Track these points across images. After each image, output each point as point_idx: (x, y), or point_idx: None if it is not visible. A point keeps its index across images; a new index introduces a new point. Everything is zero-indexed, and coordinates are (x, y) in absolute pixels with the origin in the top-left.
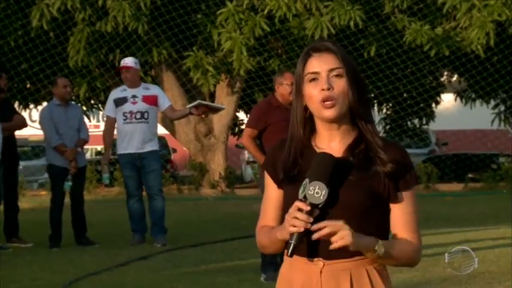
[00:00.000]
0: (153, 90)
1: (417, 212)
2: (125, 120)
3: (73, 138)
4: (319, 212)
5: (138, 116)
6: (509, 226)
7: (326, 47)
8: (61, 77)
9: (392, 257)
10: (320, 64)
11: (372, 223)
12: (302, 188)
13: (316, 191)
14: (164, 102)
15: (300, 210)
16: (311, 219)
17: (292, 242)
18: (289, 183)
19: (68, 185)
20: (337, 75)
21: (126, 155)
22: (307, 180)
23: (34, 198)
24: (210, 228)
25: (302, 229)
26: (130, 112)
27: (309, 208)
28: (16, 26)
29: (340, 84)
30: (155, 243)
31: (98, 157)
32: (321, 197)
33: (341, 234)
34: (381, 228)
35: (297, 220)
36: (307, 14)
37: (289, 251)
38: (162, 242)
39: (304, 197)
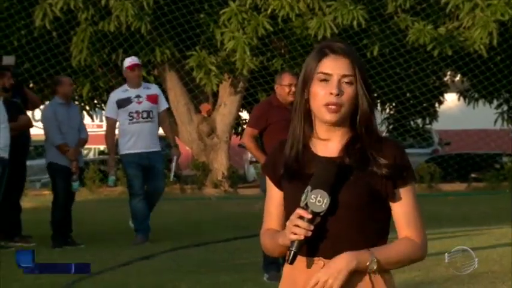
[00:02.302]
0: (154, 89)
1: (418, 209)
2: (131, 120)
3: (74, 137)
4: (321, 219)
5: (145, 115)
6: (511, 226)
7: (343, 50)
8: (65, 76)
9: (391, 263)
10: (334, 67)
11: (372, 221)
12: (304, 195)
13: (318, 200)
14: (163, 103)
15: (301, 217)
16: (312, 227)
17: (293, 249)
18: (289, 181)
19: (75, 185)
20: (347, 82)
21: (132, 155)
22: (309, 188)
23: (37, 198)
24: (213, 228)
25: (302, 237)
26: (137, 112)
27: (310, 216)
28: (19, 25)
29: (350, 92)
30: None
31: (100, 157)
32: (323, 206)
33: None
34: (381, 226)
35: (297, 228)
36: (310, 13)
37: (290, 258)
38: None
39: (306, 204)
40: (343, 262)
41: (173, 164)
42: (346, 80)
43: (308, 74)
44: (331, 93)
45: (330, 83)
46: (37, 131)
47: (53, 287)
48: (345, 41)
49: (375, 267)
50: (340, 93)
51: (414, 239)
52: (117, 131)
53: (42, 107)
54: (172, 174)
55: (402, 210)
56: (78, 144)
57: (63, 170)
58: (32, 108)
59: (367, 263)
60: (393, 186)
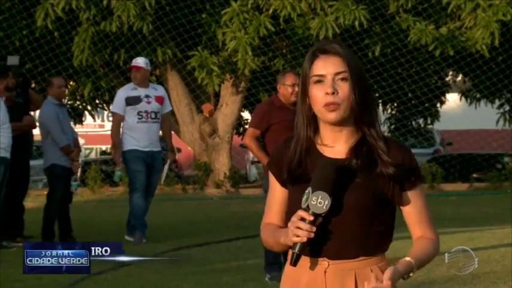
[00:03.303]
0: (160, 90)
1: (427, 207)
2: (140, 119)
3: (71, 138)
4: (322, 220)
5: (153, 115)
6: None
7: (333, 49)
8: (56, 78)
9: (421, 266)
10: (326, 67)
11: (378, 223)
12: (305, 197)
13: (319, 201)
14: (167, 106)
15: (302, 219)
16: (314, 229)
17: (295, 251)
18: (293, 183)
19: (75, 184)
20: (342, 79)
21: (139, 151)
22: (310, 189)
23: (39, 198)
24: (215, 228)
25: (305, 239)
26: (146, 112)
27: (311, 218)
28: (21, 25)
29: (345, 89)
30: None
31: (102, 157)
32: (324, 207)
33: None
34: (386, 228)
35: (299, 230)
36: (311, 13)
37: (293, 260)
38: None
39: (307, 206)
40: (393, 279)
41: (166, 167)
42: (340, 77)
43: (305, 79)
44: (327, 93)
45: (324, 83)
46: (38, 131)
47: (55, 286)
48: (338, 40)
49: (411, 276)
50: (335, 91)
51: (431, 237)
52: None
53: None
54: (163, 176)
55: (415, 212)
56: (75, 144)
57: (64, 172)
58: (35, 109)
59: (411, 274)
60: (400, 188)
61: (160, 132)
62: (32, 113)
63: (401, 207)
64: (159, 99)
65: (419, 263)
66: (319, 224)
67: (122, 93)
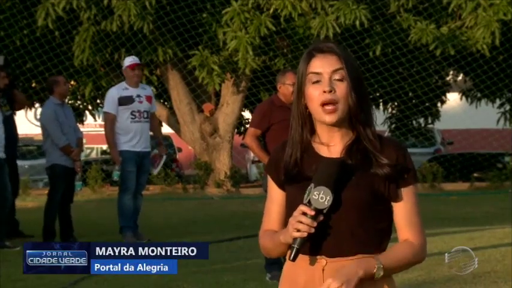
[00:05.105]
0: (148, 90)
1: (419, 210)
2: (133, 119)
3: (73, 137)
4: (324, 218)
5: (145, 115)
6: None
7: (330, 48)
8: (59, 76)
9: (394, 268)
10: (323, 65)
11: (376, 221)
12: (307, 192)
13: (321, 196)
14: (154, 105)
15: (304, 214)
16: (315, 224)
17: (295, 246)
18: (291, 184)
19: (79, 185)
20: (339, 78)
21: (132, 152)
22: (312, 185)
23: (39, 197)
24: (216, 227)
25: (306, 234)
26: (139, 111)
27: (313, 213)
28: (21, 25)
29: (342, 88)
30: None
31: (103, 156)
32: (326, 202)
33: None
34: (384, 226)
35: (301, 224)
36: (312, 13)
37: (292, 255)
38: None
39: (309, 201)
40: (353, 270)
41: (162, 162)
42: (336, 76)
43: (301, 79)
44: (324, 91)
45: (321, 82)
46: (39, 131)
47: (56, 286)
48: (334, 40)
49: (382, 274)
50: (332, 89)
51: (414, 241)
52: None
53: (39, 108)
54: (157, 170)
55: (403, 211)
56: (78, 144)
57: (66, 172)
58: (19, 109)
59: (374, 270)
60: (395, 186)
61: (171, 130)
62: (17, 112)
63: (393, 206)
64: (149, 99)
65: (389, 264)
66: (320, 222)
67: (115, 93)
